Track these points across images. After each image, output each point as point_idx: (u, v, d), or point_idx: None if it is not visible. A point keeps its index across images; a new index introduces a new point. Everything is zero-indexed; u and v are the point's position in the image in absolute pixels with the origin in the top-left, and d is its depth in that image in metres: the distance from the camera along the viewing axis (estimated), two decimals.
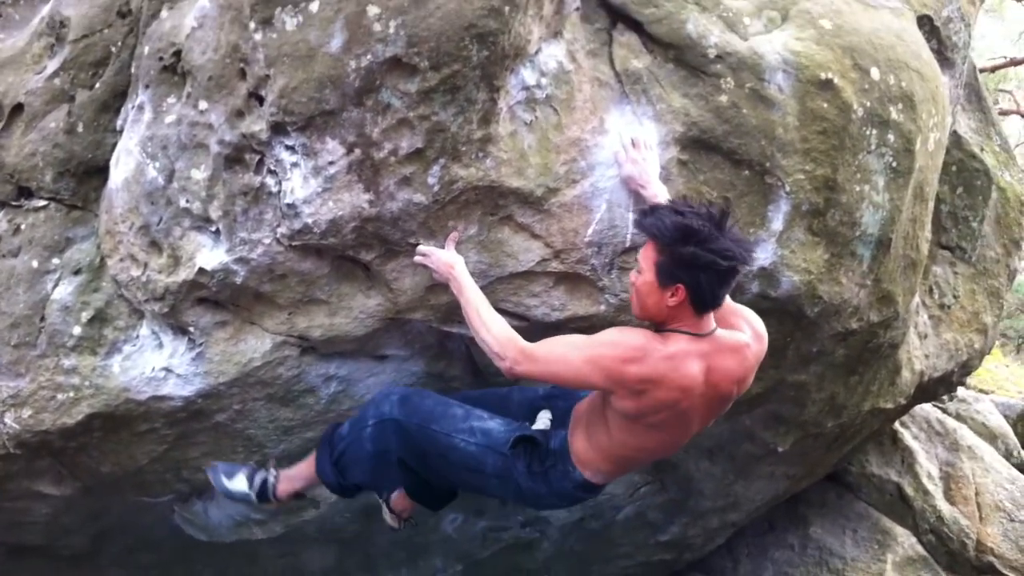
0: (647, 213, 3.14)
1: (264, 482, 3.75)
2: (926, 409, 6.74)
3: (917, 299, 4.69)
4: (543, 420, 3.56)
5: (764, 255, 3.73)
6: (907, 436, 6.51)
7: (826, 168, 3.67)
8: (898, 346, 4.62)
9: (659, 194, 3.42)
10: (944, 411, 7.27)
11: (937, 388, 5.48)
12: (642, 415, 3.19)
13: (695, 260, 3.02)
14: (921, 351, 5.02)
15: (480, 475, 3.48)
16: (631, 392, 3.12)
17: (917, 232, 4.18)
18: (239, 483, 3.75)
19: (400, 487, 3.80)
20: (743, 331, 3.30)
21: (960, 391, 7.67)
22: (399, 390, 3.59)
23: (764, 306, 3.82)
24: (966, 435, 6.95)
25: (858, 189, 3.76)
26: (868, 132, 3.71)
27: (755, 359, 3.33)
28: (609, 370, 3.10)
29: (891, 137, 3.76)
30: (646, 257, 3.13)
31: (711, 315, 3.17)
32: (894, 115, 3.75)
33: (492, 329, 3.23)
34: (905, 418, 6.42)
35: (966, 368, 5.44)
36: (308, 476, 3.75)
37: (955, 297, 5.13)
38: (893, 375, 4.83)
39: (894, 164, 3.80)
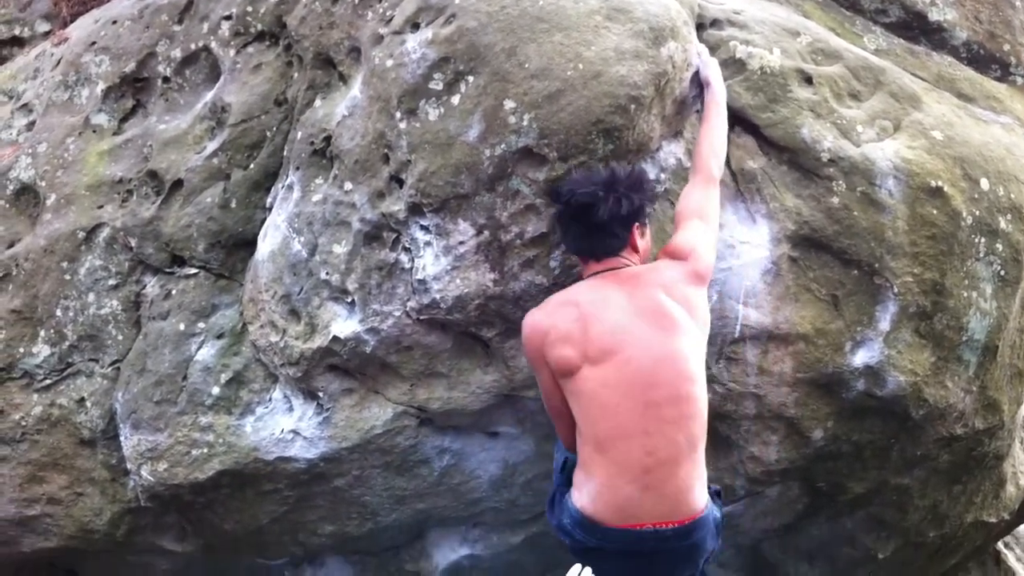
0: None
1: None
2: None
3: (1023, 412, 4.70)
4: None
5: (871, 354, 3.83)
6: (1011, 558, 6.36)
7: (934, 272, 3.79)
8: (1003, 458, 4.61)
9: (716, 85, 3.58)
10: None
11: None
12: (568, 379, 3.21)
13: (558, 215, 3.36)
14: None
15: None
16: (550, 358, 3.23)
17: None
18: None
19: None
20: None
21: None
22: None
23: (870, 404, 3.91)
24: None
25: (965, 295, 3.86)
26: (976, 240, 3.83)
27: (671, 271, 3.30)
28: (529, 355, 3.34)
29: (999, 246, 3.87)
30: None
31: (607, 260, 3.29)
32: (1003, 225, 3.87)
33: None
34: (1008, 538, 6.27)
35: None
36: None
37: None
38: (997, 488, 4.80)
39: (1002, 273, 3.90)
